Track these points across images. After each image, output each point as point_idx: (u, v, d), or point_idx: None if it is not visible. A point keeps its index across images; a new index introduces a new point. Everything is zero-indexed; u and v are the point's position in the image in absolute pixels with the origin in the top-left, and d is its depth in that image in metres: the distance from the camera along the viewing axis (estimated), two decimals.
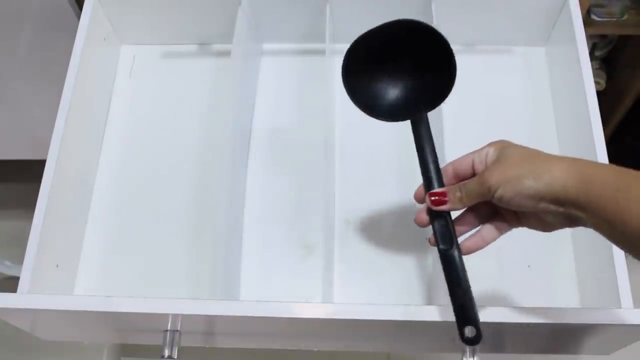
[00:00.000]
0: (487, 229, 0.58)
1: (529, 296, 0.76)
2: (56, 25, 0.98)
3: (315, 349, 0.72)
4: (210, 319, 0.63)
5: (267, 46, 0.93)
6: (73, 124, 0.77)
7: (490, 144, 0.57)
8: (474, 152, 0.58)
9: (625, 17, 1.20)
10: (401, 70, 0.62)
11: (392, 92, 0.63)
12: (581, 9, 0.81)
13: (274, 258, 0.79)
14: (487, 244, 0.59)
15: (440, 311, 0.59)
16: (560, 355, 0.74)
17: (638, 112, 1.36)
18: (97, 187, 0.84)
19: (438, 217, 0.57)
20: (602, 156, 0.71)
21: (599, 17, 1.19)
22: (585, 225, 0.51)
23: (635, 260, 0.50)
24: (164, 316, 0.61)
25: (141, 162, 0.86)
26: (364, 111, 0.62)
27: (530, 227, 0.57)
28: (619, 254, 0.66)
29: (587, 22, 1.18)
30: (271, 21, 0.89)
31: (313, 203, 0.80)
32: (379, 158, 0.84)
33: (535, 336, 0.65)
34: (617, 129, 1.41)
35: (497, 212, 0.58)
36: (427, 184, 0.58)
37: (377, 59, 0.62)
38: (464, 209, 0.58)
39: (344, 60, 0.62)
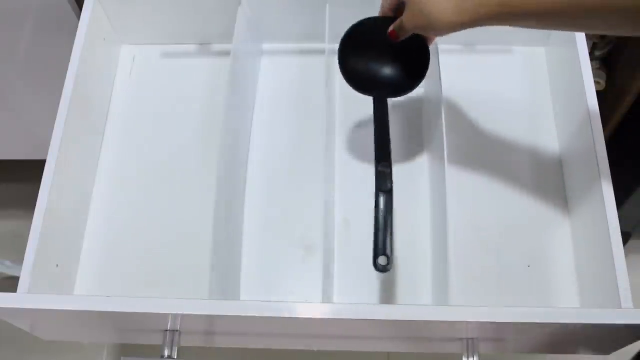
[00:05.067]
0: None
1: (529, 296, 0.76)
2: (56, 25, 0.98)
3: (315, 349, 0.72)
4: (210, 319, 0.62)
5: (267, 46, 0.93)
6: (73, 124, 0.77)
7: None
8: None
9: None
10: (383, 56, 0.76)
11: (370, 71, 0.77)
12: None
13: (274, 258, 0.79)
14: None
15: (440, 311, 0.59)
16: (560, 355, 0.74)
17: (638, 112, 1.36)
18: (97, 186, 0.84)
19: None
20: (602, 156, 0.71)
21: None
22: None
23: (636, 260, 0.50)
24: (164, 316, 0.61)
25: (141, 162, 0.86)
26: (344, 77, 0.77)
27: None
28: (619, 254, 0.66)
29: None
30: (271, 21, 0.89)
31: (313, 203, 0.80)
32: None
33: (535, 336, 0.65)
34: (617, 129, 1.41)
35: None
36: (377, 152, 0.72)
37: (369, 40, 0.75)
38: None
39: (343, 38, 0.76)
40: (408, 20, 0.67)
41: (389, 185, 0.69)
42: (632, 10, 0.51)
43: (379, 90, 0.76)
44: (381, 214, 0.68)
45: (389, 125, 0.73)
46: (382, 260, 0.66)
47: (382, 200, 0.69)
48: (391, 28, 0.70)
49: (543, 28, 0.60)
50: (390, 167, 0.71)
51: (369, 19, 0.75)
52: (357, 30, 0.76)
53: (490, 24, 0.60)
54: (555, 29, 0.61)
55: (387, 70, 0.77)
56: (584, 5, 0.53)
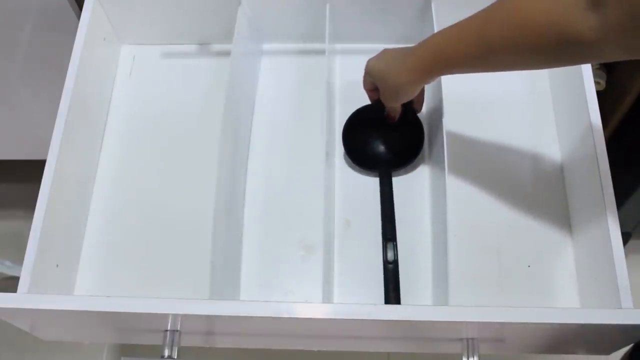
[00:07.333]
0: None
1: (529, 296, 0.76)
2: (56, 25, 0.98)
3: (315, 349, 0.72)
4: (210, 319, 0.62)
5: (267, 46, 0.93)
6: (73, 124, 0.77)
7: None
8: None
9: None
10: (382, 135, 0.84)
11: (373, 150, 0.84)
12: None
13: (274, 258, 0.79)
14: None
15: (440, 311, 0.59)
16: (560, 355, 0.74)
17: (638, 112, 1.36)
18: (97, 186, 0.84)
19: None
20: (602, 156, 0.71)
21: None
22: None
23: (636, 260, 0.50)
24: (164, 316, 0.61)
25: (141, 162, 0.86)
26: (350, 158, 0.83)
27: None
28: (619, 254, 0.66)
29: None
30: (271, 21, 0.89)
31: (313, 203, 0.80)
32: None
33: (535, 336, 0.65)
34: (617, 129, 1.41)
35: None
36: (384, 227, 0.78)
37: (368, 124, 0.84)
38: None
39: (345, 124, 0.85)
40: (383, 98, 0.76)
41: (395, 257, 0.76)
42: (529, 46, 0.56)
43: (383, 167, 0.82)
44: (390, 284, 0.75)
45: (394, 200, 0.80)
46: None
47: (389, 269, 0.76)
48: (386, 112, 0.80)
49: (482, 71, 0.65)
50: (395, 241, 0.77)
51: (366, 106, 0.83)
52: (356, 116, 0.84)
53: (440, 75, 0.70)
54: (488, 71, 0.65)
55: (388, 147, 0.84)
56: (487, 47, 0.60)
